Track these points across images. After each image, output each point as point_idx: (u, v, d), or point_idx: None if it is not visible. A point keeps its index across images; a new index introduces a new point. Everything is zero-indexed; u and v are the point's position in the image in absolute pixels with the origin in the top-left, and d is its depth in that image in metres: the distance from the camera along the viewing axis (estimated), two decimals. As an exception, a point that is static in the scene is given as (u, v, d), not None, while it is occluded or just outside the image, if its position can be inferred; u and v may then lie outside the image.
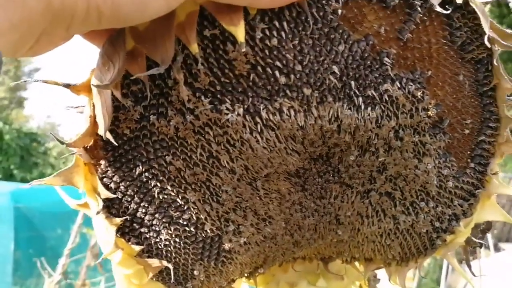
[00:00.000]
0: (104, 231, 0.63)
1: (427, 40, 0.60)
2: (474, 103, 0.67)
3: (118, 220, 0.62)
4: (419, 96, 0.61)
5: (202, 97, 0.56)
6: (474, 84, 0.66)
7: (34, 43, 0.48)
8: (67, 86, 0.59)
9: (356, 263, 0.87)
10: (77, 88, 0.59)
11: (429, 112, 0.62)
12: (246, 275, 0.78)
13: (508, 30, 0.63)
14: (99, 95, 0.57)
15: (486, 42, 0.60)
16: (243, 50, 0.52)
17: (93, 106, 0.59)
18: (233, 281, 0.77)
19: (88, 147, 0.61)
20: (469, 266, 0.83)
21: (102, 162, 0.62)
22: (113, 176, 0.62)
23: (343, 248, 0.77)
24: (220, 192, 0.62)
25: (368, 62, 0.58)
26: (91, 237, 2.92)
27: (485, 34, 0.60)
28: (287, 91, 0.57)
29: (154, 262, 0.65)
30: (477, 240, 0.78)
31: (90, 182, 0.63)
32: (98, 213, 0.61)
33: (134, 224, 0.64)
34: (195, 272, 0.68)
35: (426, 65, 0.61)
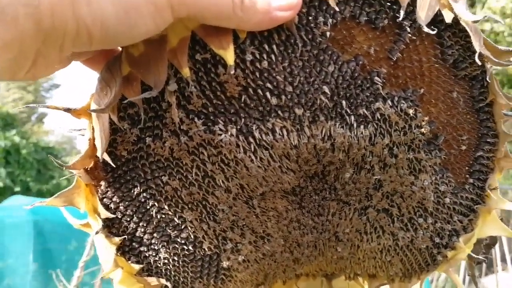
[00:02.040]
0: (104, 250, 0.65)
1: (418, 59, 0.61)
2: (470, 119, 0.67)
3: (117, 240, 0.64)
4: (411, 114, 0.61)
5: (196, 119, 0.58)
6: (470, 100, 0.66)
7: (31, 65, 0.51)
8: (68, 110, 0.61)
9: (360, 280, 0.87)
10: (78, 112, 0.61)
11: (423, 129, 0.62)
12: (247, 292, 0.78)
13: (502, 47, 0.63)
14: (98, 119, 0.59)
15: (477, 60, 0.60)
16: (232, 72, 0.54)
17: (93, 129, 0.61)
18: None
19: (88, 169, 0.63)
20: (475, 283, 0.83)
21: (102, 183, 0.64)
22: (113, 196, 0.64)
23: (344, 264, 0.77)
24: (217, 211, 0.64)
25: (359, 82, 0.59)
26: None
27: (476, 55, 0.61)
28: (279, 112, 0.58)
29: (153, 280, 0.66)
30: (480, 256, 0.78)
31: (91, 203, 0.65)
32: (97, 232, 0.63)
33: (134, 243, 0.66)
34: None
35: (418, 83, 0.62)
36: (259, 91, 0.57)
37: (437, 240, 0.72)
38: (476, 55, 0.60)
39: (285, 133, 0.59)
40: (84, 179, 0.62)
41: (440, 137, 0.65)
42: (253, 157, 0.60)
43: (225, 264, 0.67)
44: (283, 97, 0.58)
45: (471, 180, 0.70)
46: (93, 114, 0.60)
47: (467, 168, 0.69)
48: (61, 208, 0.72)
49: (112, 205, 0.64)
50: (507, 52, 0.63)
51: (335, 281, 0.87)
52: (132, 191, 0.63)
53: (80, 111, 0.61)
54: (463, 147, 0.67)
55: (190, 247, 0.66)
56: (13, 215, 6.11)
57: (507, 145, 0.71)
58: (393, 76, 0.61)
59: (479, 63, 0.60)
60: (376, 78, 0.59)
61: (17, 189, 12.22)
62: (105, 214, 0.63)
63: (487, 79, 0.63)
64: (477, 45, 0.60)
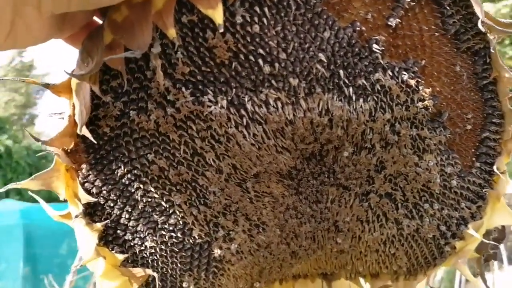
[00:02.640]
0: (85, 240, 0.60)
1: (418, 28, 0.58)
2: (475, 97, 0.64)
3: (99, 225, 0.58)
4: (413, 86, 0.58)
5: (183, 88, 0.54)
6: (473, 77, 0.63)
7: (10, 28, 0.47)
8: (46, 86, 0.57)
9: (362, 282, 0.82)
10: (57, 88, 0.57)
11: (426, 103, 0.59)
12: (242, 290, 0.73)
13: (504, 20, 0.61)
14: (78, 94, 0.55)
15: (480, 27, 0.57)
16: (221, 30, 0.50)
17: (73, 106, 0.57)
18: (229, 298, 0.72)
19: (69, 151, 0.59)
20: (484, 280, 0.78)
21: (84, 166, 0.59)
22: (95, 180, 0.59)
23: (345, 260, 0.72)
24: (207, 193, 0.59)
25: (357, 50, 0.56)
26: None
27: (479, 22, 0.58)
28: (273, 81, 0.55)
29: (139, 271, 0.61)
30: (489, 249, 0.73)
31: (71, 189, 0.60)
32: (76, 216, 0.58)
33: (117, 231, 0.60)
34: (184, 285, 0.64)
35: (419, 54, 0.59)
36: (251, 57, 0.53)
37: (443, 228, 0.67)
38: (479, 21, 0.57)
39: (279, 105, 0.55)
40: (63, 160, 0.58)
41: (444, 113, 0.61)
42: (245, 133, 0.56)
43: (216, 253, 0.62)
44: (277, 64, 0.54)
45: (477, 164, 0.66)
46: (73, 89, 0.56)
47: (473, 150, 0.65)
48: (40, 200, 0.67)
49: (94, 190, 0.59)
50: (509, 24, 0.60)
51: (335, 283, 0.81)
52: (116, 172, 0.58)
53: (60, 87, 0.57)
54: (468, 127, 0.64)
55: (179, 235, 0.60)
56: (4, 219, 6.04)
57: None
58: (392, 45, 0.58)
59: (483, 30, 0.57)
60: (375, 45, 0.56)
61: (10, 193, 12.07)
62: (86, 198, 0.58)
63: (491, 50, 0.60)
64: (479, 12, 0.57)
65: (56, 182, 0.59)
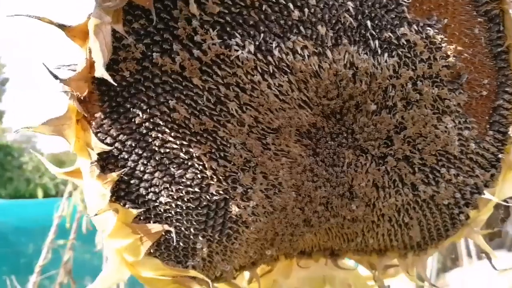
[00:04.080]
0: (95, 196, 0.56)
1: None
2: (490, 63, 0.64)
3: (114, 175, 0.55)
4: (437, 42, 0.58)
5: (210, 30, 0.52)
6: (489, 43, 0.64)
7: None
8: (62, 26, 0.54)
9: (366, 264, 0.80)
10: (73, 31, 0.54)
11: (449, 60, 0.59)
12: (251, 260, 0.70)
13: None
14: (97, 35, 0.53)
15: None
16: None
17: (89, 51, 0.54)
18: (236, 270, 0.69)
19: (82, 99, 0.56)
20: (490, 259, 0.77)
21: (97, 115, 0.56)
22: (109, 129, 0.56)
23: (356, 229, 0.70)
24: (228, 146, 0.57)
25: (384, 1, 0.56)
26: (64, 253, 2.75)
27: None
28: (301, 28, 0.54)
29: (153, 226, 0.57)
30: (499, 222, 0.73)
31: (82, 140, 0.57)
32: (92, 163, 0.54)
33: (131, 185, 0.57)
34: (198, 245, 0.61)
35: (442, 12, 0.59)
36: (281, 0, 0.52)
37: (458, 196, 0.66)
38: None
39: (306, 54, 0.54)
40: (77, 106, 0.54)
41: (463, 75, 0.61)
42: (270, 82, 0.55)
43: (234, 211, 0.59)
44: (306, 10, 0.53)
45: (491, 132, 0.66)
46: (91, 31, 0.53)
47: (487, 118, 0.66)
48: (44, 159, 0.63)
49: (108, 140, 0.56)
50: None
51: (340, 262, 0.79)
52: (133, 121, 0.55)
53: (76, 31, 0.54)
54: (484, 93, 0.64)
55: (196, 189, 0.58)
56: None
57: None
58: (417, 1, 0.58)
59: None
60: None
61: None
62: (101, 147, 0.55)
63: (511, 11, 0.61)
64: None
65: (67, 130, 0.56)
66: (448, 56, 0.59)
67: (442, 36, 0.58)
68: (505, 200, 0.69)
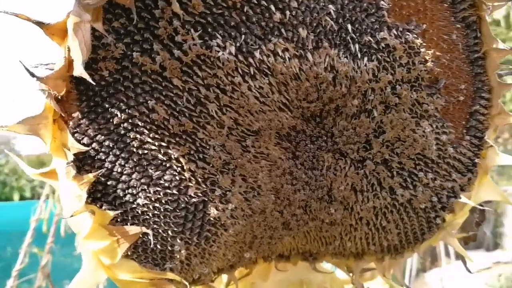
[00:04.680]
0: (72, 195, 0.55)
1: None
2: (467, 69, 0.65)
3: (90, 176, 0.54)
4: (416, 47, 0.59)
5: (192, 30, 0.52)
6: (466, 49, 0.65)
7: None
8: (40, 24, 0.53)
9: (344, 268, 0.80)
10: (51, 29, 0.53)
11: (427, 64, 0.59)
12: (230, 263, 0.69)
13: None
14: (77, 33, 0.52)
15: None
16: None
17: (68, 49, 0.53)
18: (214, 273, 0.68)
19: (59, 98, 0.55)
20: (464, 262, 0.78)
21: (75, 115, 0.55)
22: (87, 129, 0.55)
23: (334, 234, 0.70)
24: (207, 148, 0.56)
25: (365, 5, 0.56)
26: (41, 257, 2.70)
27: None
28: (282, 30, 0.54)
29: (131, 229, 0.57)
30: (474, 226, 0.74)
31: (59, 140, 0.56)
32: (68, 164, 0.53)
33: (108, 187, 0.56)
34: (176, 248, 0.60)
35: (421, 18, 0.60)
36: (263, 2, 0.52)
37: (435, 200, 0.67)
38: None
39: (287, 56, 0.54)
40: (53, 105, 0.53)
41: (441, 80, 0.62)
42: (251, 83, 0.54)
43: (212, 214, 0.59)
44: (287, 12, 0.53)
45: (467, 137, 0.67)
46: (70, 29, 0.52)
47: (464, 122, 0.67)
48: (15, 156, 0.62)
49: (85, 140, 0.55)
50: None
51: (318, 266, 0.79)
52: (111, 121, 0.54)
53: (54, 28, 0.54)
54: (461, 98, 0.65)
55: (174, 191, 0.57)
56: None
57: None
58: (397, 6, 0.58)
59: None
60: (382, 2, 0.56)
61: None
62: (77, 147, 0.54)
63: (487, 17, 0.62)
64: None
65: (43, 130, 0.55)
66: (426, 61, 0.60)
67: (421, 41, 0.59)
68: (480, 204, 0.70)
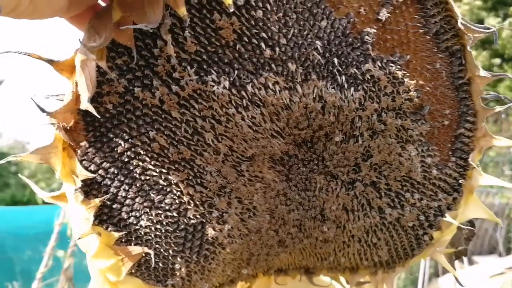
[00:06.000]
0: (80, 218, 0.60)
1: (404, 24, 0.63)
2: (451, 95, 0.69)
3: (97, 201, 0.59)
4: (400, 77, 0.62)
5: (188, 67, 0.56)
6: (450, 76, 0.68)
7: None
8: (51, 62, 0.58)
9: (342, 279, 0.84)
10: (60, 65, 0.58)
11: (410, 94, 0.63)
12: (230, 278, 0.74)
13: (478, 25, 0.67)
14: (83, 69, 0.57)
15: (460, 25, 0.63)
16: (232, 10, 0.53)
17: (76, 84, 0.58)
18: (216, 287, 0.73)
19: (68, 128, 0.60)
20: (456, 278, 0.82)
21: (82, 144, 0.60)
22: (94, 157, 0.60)
23: (328, 250, 0.74)
24: (204, 173, 0.61)
25: (350, 40, 0.60)
26: (64, 260, 2.76)
27: (456, 23, 0.64)
28: (273, 65, 0.58)
29: (134, 249, 0.61)
30: (462, 242, 0.77)
31: (68, 167, 0.61)
32: (76, 190, 0.58)
33: (113, 210, 0.61)
34: (176, 266, 0.64)
35: (405, 49, 0.63)
36: (254, 40, 0.57)
37: (422, 218, 0.71)
38: (459, 20, 0.63)
39: (277, 89, 0.59)
40: (63, 136, 0.58)
41: (425, 107, 0.66)
42: (244, 114, 0.59)
43: (210, 234, 0.63)
44: (277, 49, 0.57)
45: (453, 159, 0.70)
46: (77, 66, 0.57)
47: (449, 145, 0.70)
48: (31, 182, 0.67)
49: (92, 167, 0.60)
50: (482, 27, 0.66)
51: (316, 280, 0.83)
52: (116, 150, 0.59)
53: (63, 65, 0.59)
54: (446, 122, 0.68)
55: (174, 214, 0.62)
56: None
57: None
58: (381, 39, 0.62)
59: (462, 27, 0.63)
60: (366, 37, 0.60)
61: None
62: (85, 174, 0.59)
63: (468, 48, 0.65)
64: (458, 12, 0.63)
65: (54, 158, 0.60)
66: (410, 90, 0.63)
67: (404, 72, 0.63)
68: (465, 223, 0.73)
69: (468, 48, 0.66)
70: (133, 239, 0.62)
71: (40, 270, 2.61)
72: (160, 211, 0.61)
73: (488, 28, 0.65)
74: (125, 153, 0.59)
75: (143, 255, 0.62)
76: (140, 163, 0.59)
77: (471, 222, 0.79)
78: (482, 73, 0.67)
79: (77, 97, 0.58)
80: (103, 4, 0.62)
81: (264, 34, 0.57)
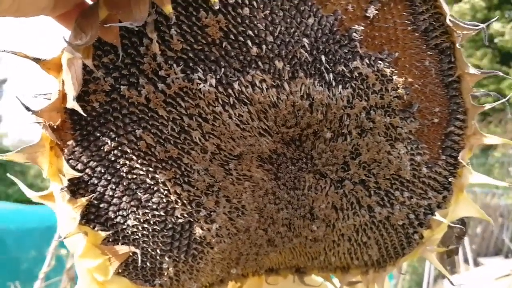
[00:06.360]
0: (67, 217, 0.60)
1: (392, 21, 0.63)
2: (441, 92, 0.69)
3: (83, 200, 0.59)
4: (388, 75, 0.62)
5: (174, 65, 0.56)
6: (440, 74, 0.68)
7: None
8: (37, 60, 0.57)
9: (333, 279, 0.84)
10: (47, 64, 0.58)
11: (399, 91, 0.63)
12: (219, 278, 0.73)
13: (468, 22, 0.66)
14: (70, 67, 0.56)
15: (448, 22, 0.63)
16: (217, 7, 0.53)
17: (63, 82, 0.58)
18: (206, 287, 0.72)
19: (55, 127, 0.59)
20: (449, 278, 0.81)
21: (69, 143, 0.60)
22: (80, 156, 0.59)
23: (318, 249, 0.74)
24: (192, 172, 0.60)
25: (337, 37, 0.60)
26: (67, 260, 2.76)
27: (445, 20, 0.64)
28: (259, 63, 0.58)
29: (121, 248, 0.61)
30: (452, 241, 0.77)
31: (55, 166, 0.60)
32: (62, 189, 0.58)
33: (100, 209, 0.61)
34: (164, 265, 0.64)
35: (393, 46, 0.63)
36: (240, 38, 0.56)
37: (412, 217, 0.71)
38: (447, 17, 0.62)
39: (264, 87, 0.58)
40: (50, 135, 0.58)
41: (414, 105, 0.66)
42: (231, 112, 0.58)
43: (197, 233, 0.63)
44: (264, 46, 0.57)
45: (443, 157, 0.70)
46: (64, 64, 0.57)
47: (439, 143, 0.70)
48: (18, 181, 0.67)
49: (79, 166, 0.60)
50: (472, 24, 0.66)
51: (307, 279, 0.83)
52: (102, 148, 0.59)
53: (50, 63, 0.58)
54: (436, 120, 0.68)
55: (161, 213, 0.61)
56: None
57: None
58: (369, 36, 0.62)
59: (450, 24, 0.63)
60: (354, 34, 0.60)
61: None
62: (72, 173, 0.58)
63: (457, 45, 0.65)
64: (446, 9, 0.63)
65: (40, 157, 0.59)
66: (398, 88, 0.63)
67: (393, 69, 0.63)
68: (455, 221, 0.73)
69: (457, 45, 0.65)
70: (120, 238, 0.62)
71: (43, 270, 2.60)
72: (147, 210, 0.61)
73: (477, 25, 0.65)
74: (112, 152, 0.59)
75: (131, 254, 0.62)
76: (127, 162, 0.59)
77: (462, 221, 0.79)
78: (472, 70, 0.67)
79: (63, 96, 0.58)
80: (90, 2, 0.62)
81: (250, 32, 0.56)
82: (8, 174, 0.69)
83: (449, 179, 0.70)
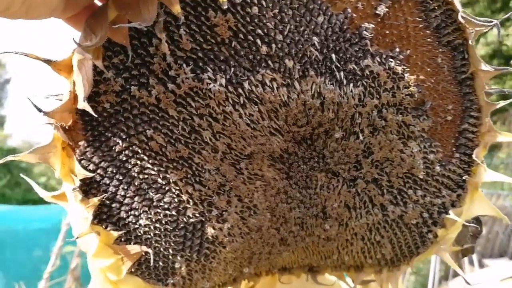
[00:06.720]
0: (79, 217, 0.60)
1: (403, 19, 0.62)
2: (454, 90, 0.68)
3: (95, 200, 0.59)
4: (400, 73, 0.61)
5: (184, 65, 0.56)
6: (453, 71, 0.67)
7: None
8: (48, 61, 0.58)
9: (347, 279, 0.83)
10: (58, 65, 0.59)
11: (411, 89, 0.62)
12: (232, 277, 0.73)
13: (480, 18, 0.65)
14: (80, 69, 0.57)
15: (460, 18, 0.62)
16: (225, 7, 0.53)
17: (73, 83, 0.58)
18: (219, 286, 0.73)
19: (67, 128, 0.60)
20: (464, 277, 0.80)
21: (81, 143, 0.60)
22: (92, 157, 0.60)
23: (331, 248, 0.74)
24: (203, 171, 0.61)
25: (348, 35, 0.59)
26: (71, 260, 2.79)
27: (458, 17, 0.63)
28: (269, 62, 0.57)
29: (133, 248, 0.61)
30: (467, 240, 0.76)
31: (67, 166, 0.61)
32: (74, 189, 0.58)
33: (112, 209, 0.61)
34: (177, 265, 0.64)
35: (405, 44, 0.63)
36: (250, 37, 0.56)
37: (426, 216, 0.70)
38: (459, 13, 0.62)
39: (275, 86, 0.58)
40: (61, 135, 0.58)
41: (427, 102, 0.65)
42: (242, 112, 0.58)
43: (209, 233, 0.63)
44: (273, 45, 0.57)
45: (457, 155, 0.69)
46: (75, 65, 0.57)
47: (453, 141, 0.69)
48: (32, 182, 0.67)
49: (91, 166, 0.60)
50: (484, 20, 0.65)
51: (320, 278, 0.83)
52: (114, 149, 0.59)
53: (61, 65, 0.59)
54: (449, 118, 0.67)
55: (173, 213, 0.62)
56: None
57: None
58: (380, 34, 0.61)
59: (462, 21, 0.62)
60: (365, 32, 0.60)
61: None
62: (84, 173, 0.59)
63: (470, 42, 0.64)
64: (458, 5, 0.62)
65: (53, 158, 0.60)
66: (410, 85, 0.62)
67: (405, 67, 0.62)
68: (471, 220, 0.72)
69: (470, 42, 0.64)
70: (133, 238, 0.62)
71: (48, 270, 2.63)
72: (159, 210, 0.61)
73: (491, 21, 0.64)
74: (123, 152, 0.59)
75: (143, 254, 0.62)
76: (138, 162, 0.59)
77: (477, 220, 0.78)
78: (485, 67, 0.66)
79: (75, 97, 0.58)
80: (99, 4, 0.62)
81: (260, 31, 0.56)
82: (21, 175, 0.70)
83: (464, 177, 0.69)
